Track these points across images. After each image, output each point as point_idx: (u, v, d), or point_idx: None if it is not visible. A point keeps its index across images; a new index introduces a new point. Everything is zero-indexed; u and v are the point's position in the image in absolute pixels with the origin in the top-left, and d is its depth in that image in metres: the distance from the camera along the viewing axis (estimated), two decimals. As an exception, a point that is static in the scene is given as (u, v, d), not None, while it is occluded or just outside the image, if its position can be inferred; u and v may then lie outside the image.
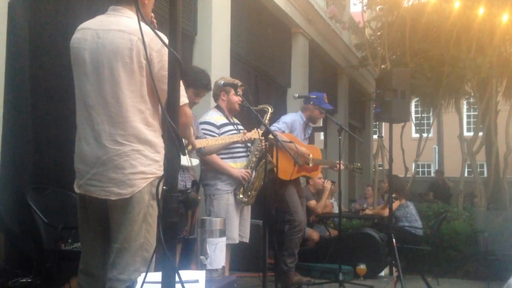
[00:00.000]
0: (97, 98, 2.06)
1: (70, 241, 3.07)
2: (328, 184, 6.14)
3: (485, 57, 7.01)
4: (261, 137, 3.62)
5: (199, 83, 3.53)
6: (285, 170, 4.35)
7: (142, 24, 2.09)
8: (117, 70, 2.03)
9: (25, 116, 3.34)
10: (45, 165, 3.51)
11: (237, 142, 3.64)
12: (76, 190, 2.14)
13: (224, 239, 2.33)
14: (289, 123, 4.52)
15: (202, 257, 2.25)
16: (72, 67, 2.17)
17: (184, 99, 2.11)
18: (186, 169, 3.48)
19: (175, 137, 1.47)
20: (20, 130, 3.30)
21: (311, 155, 4.58)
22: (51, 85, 3.59)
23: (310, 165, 4.57)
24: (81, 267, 2.20)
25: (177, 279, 1.45)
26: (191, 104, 3.63)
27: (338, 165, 4.71)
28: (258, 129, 3.65)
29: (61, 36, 3.52)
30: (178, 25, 1.55)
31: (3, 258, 3.11)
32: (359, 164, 5.36)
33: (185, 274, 1.82)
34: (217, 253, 2.25)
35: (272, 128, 4.11)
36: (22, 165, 3.30)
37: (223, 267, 2.30)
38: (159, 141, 2.10)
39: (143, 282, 1.58)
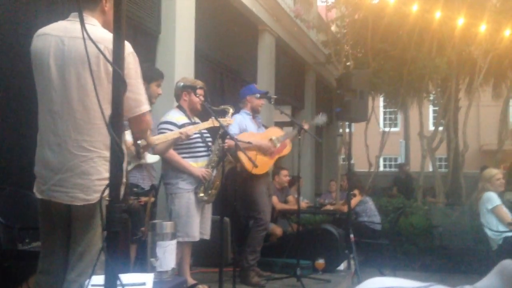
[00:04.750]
0: (62, 105, 2.07)
1: (27, 240, 3.10)
2: (292, 199, 6.43)
3: (443, 57, 7.26)
4: (215, 125, 3.70)
5: (157, 73, 3.71)
6: (259, 164, 4.42)
7: (105, 31, 2.14)
8: (84, 78, 2.05)
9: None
10: (4, 165, 3.51)
11: (180, 138, 3.65)
12: (38, 195, 2.15)
13: (174, 242, 2.42)
14: (238, 124, 4.54)
15: (152, 259, 2.33)
16: (33, 72, 2.17)
17: (147, 106, 2.17)
18: (144, 167, 3.54)
19: (117, 150, 1.55)
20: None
21: (273, 137, 4.66)
22: (10, 85, 3.59)
23: (278, 145, 4.65)
24: (41, 267, 2.24)
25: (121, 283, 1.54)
26: (156, 96, 3.71)
27: (300, 132, 4.61)
28: (213, 118, 3.72)
29: (23, 38, 3.51)
30: (122, 38, 1.59)
31: (-40, 257, 3.12)
32: (325, 119, 5.02)
33: (132, 277, 1.90)
34: (167, 255, 2.34)
35: None
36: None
37: (173, 268, 2.40)
38: (123, 148, 2.15)
39: (88, 284, 1.66)
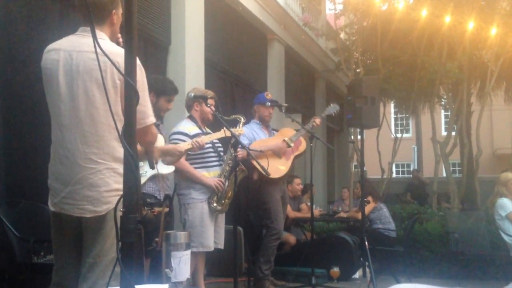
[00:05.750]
0: (70, 118, 2.10)
1: (42, 253, 3.12)
2: (305, 207, 6.39)
3: (453, 62, 7.21)
4: (227, 135, 3.69)
5: (168, 89, 3.66)
6: (275, 168, 4.43)
7: (113, 44, 2.17)
8: (92, 91, 2.08)
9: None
10: (18, 179, 3.54)
11: (193, 149, 3.62)
12: (51, 208, 2.18)
13: (189, 252, 2.41)
14: (247, 134, 4.56)
15: (167, 270, 2.32)
16: (44, 87, 2.20)
17: (152, 118, 2.17)
18: (159, 178, 3.54)
19: (131, 161, 1.55)
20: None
21: (285, 138, 4.67)
22: (23, 97, 3.63)
23: (291, 145, 4.66)
24: (55, 280, 2.25)
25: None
26: (165, 111, 3.71)
27: (314, 124, 4.73)
28: (224, 128, 3.72)
29: (35, 53, 3.56)
30: (133, 52, 1.60)
31: (-24, 271, 3.14)
32: (337, 107, 5.16)
33: (147, 288, 1.90)
34: (182, 266, 2.32)
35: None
36: (-6, 179, 3.33)
37: (188, 279, 2.38)
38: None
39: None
